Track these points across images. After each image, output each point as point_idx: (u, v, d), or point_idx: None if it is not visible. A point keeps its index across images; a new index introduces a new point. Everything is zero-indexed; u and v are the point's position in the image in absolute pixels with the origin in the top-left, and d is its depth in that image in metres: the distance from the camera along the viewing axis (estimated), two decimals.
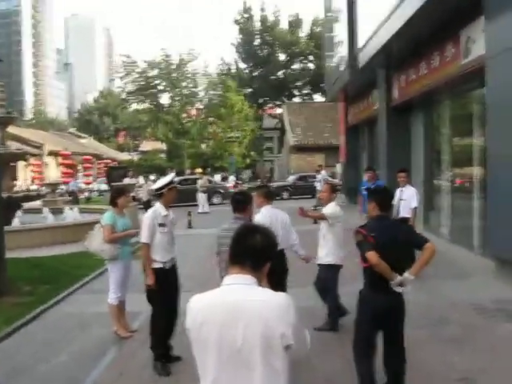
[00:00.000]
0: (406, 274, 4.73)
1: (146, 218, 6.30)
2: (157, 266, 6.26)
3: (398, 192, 10.50)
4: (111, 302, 7.27)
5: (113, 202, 7.33)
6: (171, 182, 6.45)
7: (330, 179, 29.11)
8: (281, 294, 2.54)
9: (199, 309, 2.55)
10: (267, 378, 2.40)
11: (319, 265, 7.37)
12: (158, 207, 6.38)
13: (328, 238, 7.33)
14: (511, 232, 8.98)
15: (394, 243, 4.75)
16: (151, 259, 6.23)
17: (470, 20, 10.90)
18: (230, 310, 2.44)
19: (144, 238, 6.20)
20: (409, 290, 4.81)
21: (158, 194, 6.38)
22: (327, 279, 7.30)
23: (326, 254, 7.27)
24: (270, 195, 6.97)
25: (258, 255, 2.61)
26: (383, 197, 5.20)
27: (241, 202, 5.91)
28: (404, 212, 10.40)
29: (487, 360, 6.00)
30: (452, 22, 11.56)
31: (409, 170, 11.03)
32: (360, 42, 17.94)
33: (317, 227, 7.87)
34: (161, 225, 6.30)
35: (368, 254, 4.68)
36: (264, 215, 6.38)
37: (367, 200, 5.43)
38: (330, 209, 7.35)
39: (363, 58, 17.31)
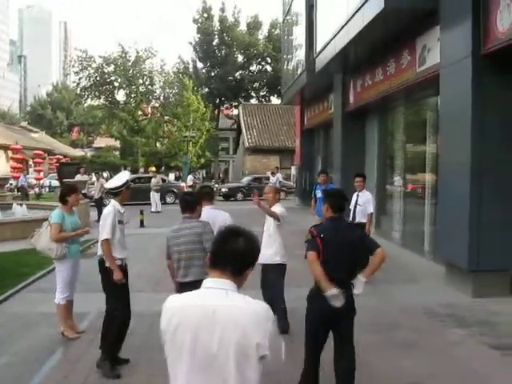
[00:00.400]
0: (359, 276, 4.87)
1: (108, 214, 6.14)
2: (116, 263, 6.15)
3: (354, 197, 10.56)
4: (58, 301, 7.08)
5: (63, 200, 7.12)
6: (128, 181, 6.40)
7: (284, 181, 29.27)
8: (260, 302, 2.47)
9: (175, 310, 2.47)
10: None
11: (266, 265, 7.18)
12: (115, 204, 6.25)
13: (275, 237, 7.30)
14: (460, 238, 9.15)
15: (343, 245, 4.84)
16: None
17: (426, 29, 11.08)
18: (207, 315, 2.37)
19: (106, 233, 6.04)
20: (360, 292, 4.89)
21: (115, 193, 6.29)
22: (277, 279, 7.25)
23: (274, 254, 7.21)
24: (210, 195, 7.00)
25: (239, 260, 2.53)
26: (336, 199, 5.24)
27: (190, 202, 5.91)
28: (360, 217, 10.44)
29: (437, 364, 6.07)
30: (409, 29, 11.73)
31: (365, 176, 11.06)
32: (318, 47, 18.04)
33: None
34: (119, 222, 6.23)
35: (308, 253, 4.83)
36: (202, 216, 6.28)
37: (322, 202, 5.47)
38: (279, 209, 7.35)
39: (320, 62, 17.42)
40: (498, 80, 8.79)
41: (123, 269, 6.24)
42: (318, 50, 17.77)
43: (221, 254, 2.55)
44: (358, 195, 10.59)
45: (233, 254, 2.51)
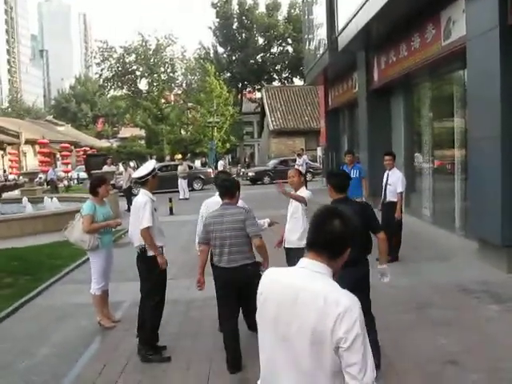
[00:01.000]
0: (380, 267, 5.38)
1: (145, 203, 6.14)
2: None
3: (385, 176, 10.50)
4: (94, 292, 7.17)
5: (93, 191, 7.18)
6: (154, 170, 6.40)
7: (311, 163, 28.97)
8: (348, 293, 2.37)
9: (265, 284, 2.52)
10: (313, 372, 2.29)
11: (290, 249, 7.10)
12: (147, 193, 6.28)
13: (302, 221, 7.23)
14: (492, 213, 9.01)
15: None
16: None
17: (450, 1, 10.83)
18: (291, 294, 2.37)
19: (147, 221, 6.05)
20: (388, 279, 5.45)
21: (142, 182, 6.32)
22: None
23: (299, 238, 7.16)
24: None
25: (336, 243, 2.47)
26: (338, 180, 5.48)
27: (229, 188, 5.86)
28: (390, 196, 10.36)
29: (473, 341, 6.01)
30: (432, 2, 11.49)
31: (395, 154, 10.94)
32: (340, 25, 17.80)
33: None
34: (155, 209, 6.27)
35: None
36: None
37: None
38: (306, 192, 7.29)
39: (343, 40, 17.19)
40: None
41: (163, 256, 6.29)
42: (340, 28, 17.53)
43: (317, 236, 2.49)
44: (388, 174, 10.50)
45: (330, 236, 2.45)
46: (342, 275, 4.86)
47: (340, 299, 2.28)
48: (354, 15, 15.07)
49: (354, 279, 4.95)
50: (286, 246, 7.26)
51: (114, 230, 8.36)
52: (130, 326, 7.04)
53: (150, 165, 6.59)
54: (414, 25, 12.92)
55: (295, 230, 7.19)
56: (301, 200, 7.14)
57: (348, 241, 2.50)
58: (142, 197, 6.25)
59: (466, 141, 10.93)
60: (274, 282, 2.49)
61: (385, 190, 10.49)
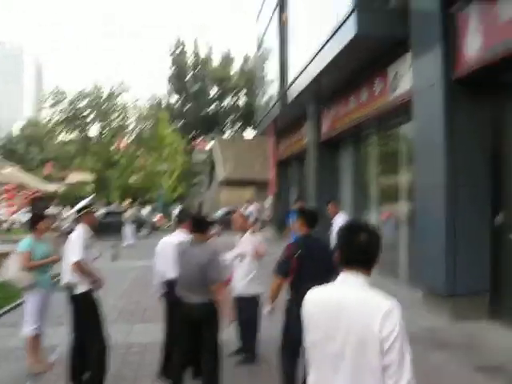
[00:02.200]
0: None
1: (77, 236, 5.97)
2: (84, 289, 5.97)
3: (332, 224, 10.66)
4: (27, 333, 6.80)
5: (32, 227, 6.91)
6: (90, 205, 6.30)
7: (259, 213, 28.88)
8: (388, 297, 2.53)
9: (311, 301, 2.68)
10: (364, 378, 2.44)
11: (243, 297, 7.04)
12: (82, 228, 6.09)
13: (252, 267, 7.14)
14: (436, 262, 9.11)
15: (318, 262, 5.20)
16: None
17: (397, 56, 11.20)
18: (339, 309, 2.51)
19: (77, 255, 5.84)
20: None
21: (78, 217, 6.18)
22: (254, 311, 7.07)
23: (247, 285, 7.05)
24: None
25: (367, 254, 2.66)
26: (310, 215, 5.59)
27: (201, 224, 5.72)
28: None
29: None
30: (380, 57, 11.85)
31: (337, 201, 11.11)
32: (290, 77, 18.17)
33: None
34: (89, 246, 6.07)
35: (276, 275, 5.35)
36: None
37: (295, 219, 5.67)
38: (258, 239, 7.25)
39: (293, 92, 17.52)
40: (468, 104, 8.89)
41: (92, 297, 6.03)
42: (291, 80, 17.89)
43: (349, 250, 2.67)
44: (333, 221, 10.60)
45: (360, 249, 2.64)
46: (298, 311, 4.99)
47: (382, 302, 2.47)
48: (304, 68, 15.41)
49: None
50: (236, 293, 7.12)
51: (53, 272, 8.04)
52: (63, 371, 6.72)
53: (86, 200, 6.45)
54: (363, 78, 13.27)
55: (243, 277, 7.08)
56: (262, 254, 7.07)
57: (379, 249, 2.70)
58: (75, 232, 6.09)
59: (411, 194, 11.11)
60: (321, 298, 2.65)
61: (330, 235, 10.54)
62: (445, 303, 8.98)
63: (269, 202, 31.57)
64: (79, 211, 6.17)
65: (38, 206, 28.84)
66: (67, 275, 5.98)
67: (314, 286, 5.15)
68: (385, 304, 2.46)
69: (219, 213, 36.26)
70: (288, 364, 5.40)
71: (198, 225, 5.70)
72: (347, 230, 2.75)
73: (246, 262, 7.10)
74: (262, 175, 42.10)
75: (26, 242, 6.79)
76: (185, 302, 5.56)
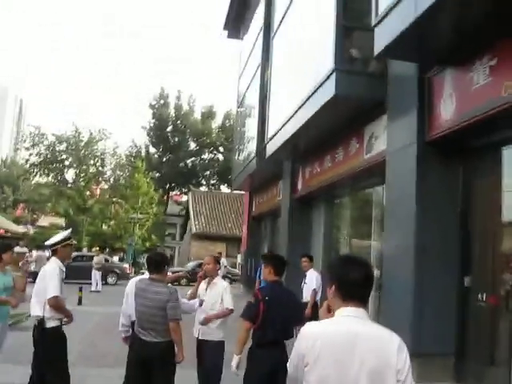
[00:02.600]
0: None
1: (54, 270, 5.86)
2: (55, 324, 5.83)
3: (303, 277, 10.74)
4: None
5: None
6: (67, 238, 6.18)
7: (230, 268, 28.86)
8: (391, 331, 2.64)
9: (318, 335, 2.55)
10: None
11: (206, 341, 6.83)
12: (57, 261, 5.98)
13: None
14: (403, 323, 9.04)
15: (284, 308, 5.28)
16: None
17: (374, 117, 11.42)
18: (350, 339, 2.50)
19: (55, 290, 5.75)
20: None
21: (53, 250, 6.06)
22: (220, 357, 6.90)
23: (217, 329, 6.93)
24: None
25: (366, 288, 2.70)
26: (277, 261, 5.70)
27: (158, 263, 5.73)
28: (306, 295, 10.52)
29: None
30: (357, 118, 12.08)
31: (311, 256, 11.16)
32: (269, 133, 18.39)
33: None
34: (62, 280, 5.96)
35: (243, 321, 5.38)
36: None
37: (263, 265, 5.80)
38: (222, 282, 7.18)
39: (270, 148, 17.70)
40: (440, 166, 9.06)
41: (63, 332, 5.94)
42: (269, 136, 18.12)
43: (350, 284, 2.63)
44: (305, 275, 10.69)
45: (360, 284, 2.66)
46: (265, 355, 5.04)
47: (392, 336, 2.59)
48: (282, 126, 15.63)
49: (276, 360, 5.16)
50: (199, 338, 6.96)
51: (13, 311, 7.84)
52: None
53: (63, 233, 6.39)
54: (339, 138, 13.47)
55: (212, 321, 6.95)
56: (227, 314, 6.93)
57: (372, 286, 2.77)
58: (51, 265, 5.97)
59: (381, 257, 11.14)
60: (330, 332, 2.56)
61: (302, 290, 10.61)
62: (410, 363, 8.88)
63: (240, 258, 31.47)
64: (55, 244, 6.04)
65: (4, 242, 28.26)
66: (36, 309, 5.82)
67: (279, 331, 5.30)
68: (395, 337, 2.58)
69: (190, 265, 36.00)
70: None
71: (156, 264, 5.72)
72: (347, 265, 2.74)
73: (216, 307, 6.98)
74: (234, 231, 42.16)
75: None
76: (139, 338, 5.46)
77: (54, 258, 6.08)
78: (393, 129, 10.11)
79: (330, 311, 2.72)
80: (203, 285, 7.24)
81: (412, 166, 9.15)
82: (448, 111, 8.35)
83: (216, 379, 6.90)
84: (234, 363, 5.45)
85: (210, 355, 6.84)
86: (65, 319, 5.94)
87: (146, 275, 6.29)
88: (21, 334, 11.42)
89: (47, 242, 6.40)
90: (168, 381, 5.47)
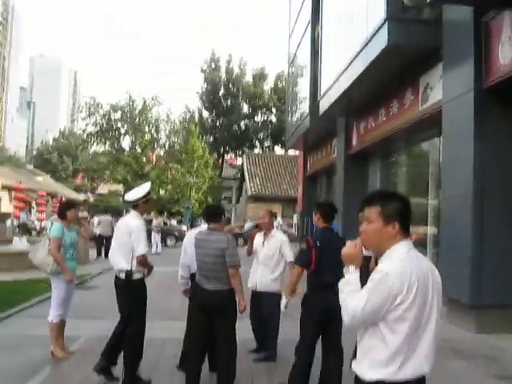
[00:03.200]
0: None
1: (142, 226, 6.05)
2: (140, 276, 6.10)
3: None
4: (52, 319, 6.90)
5: (62, 215, 7.05)
6: (149, 193, 6.30)
7: (286, 228, 28.95)
8: None
9: (410, 272, 2.58)
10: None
11: (264, 293, 7.04)
12: (139, 217, 6.17)
13: (280, 265, 7.16)
14: (462, 272, 8.99)
15: (335, 253, 5.03)
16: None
17: (429, 67, 11.18)
18: (428, 274, 2.65)
19: (145, 247, 6.02)
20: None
21: (134, 205, 6.18)
22: (277, 307, 7.03)
23: (275, 281, 7.06)
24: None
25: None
26: (327, 209, 5.78)
27: (214, 213, 5.87)
28: (365, 251, 10.43)
29: None
30: (412, 68, 11.83)
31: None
32: (322, 90, 18.19)
33: None
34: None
35: (296, 266, 5.65)
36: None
37: (313, 214, 5.84)
38: (280, 236, 7.26)
39: (324, 105, 17.54)
40: (499, 112, 8.83)
41: (145, 284, 6.20)
42: (322, 93, 17.92)
43: (407, 218, 2.84)
44: None
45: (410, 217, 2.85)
46: (319, 297, 5.14)
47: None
48: (336, 81, 15.44)
49: (330, 304, 5.08)
50: (256, 290, 7.12)
51: (79, 273, 8.17)
52: (84, 358, 6.87)
53: (144, 188, 6.42)
54: (393, 90, 13.25)
55: (268, 273, 7.08)
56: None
57: None
58: (136, 220, 6.10)
59: (439, 212, 10.99)
60: (416, 270, 2.60)
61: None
62: (468, 314, 8.85)
63: (296, 218, 31.54)
64: (137, 200, 6.16)
65: (68, 200, 29.30)
66: (123, 262, 6.02)
67: (332, 276, 5.36)
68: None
69: (247, 226, 36.26)
70: (307, 354, 5.48)
71: (213, 214, 5.86)
72: (403, 201, 2.87)
73: (274, 259, 7.11)
74: (289, 192, 42.19)
75: (57, 227, 6.94)
76: (201, 288, 5.65)
77: (134, 213, 6.18)
78: (449, 77, 9.88)
79: (377, 263, 2.77)
80: (259, 238, 7.36)
81: (469, 113, 8.96)
82: (506, 56, 8.10)
83: (274, 329, 7.08)
84: (283, 304, 5.75)
85: (267, 306, 7.02)
86: (147, 272, 6.16)
87: (203, 227, 6.44)
88: (85, 293, 12.02)
89: (127, 197, 6.40)
90: (230, 328, 5.63)
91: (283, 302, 5.79)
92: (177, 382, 5.97)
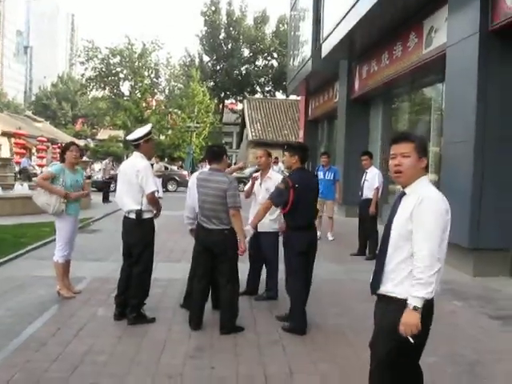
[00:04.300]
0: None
1: (147, 166, 6.06)
2: (150, 215, 6.14)
3: (363, 175, 10.72)
4: (57, 259, 7.00)
5: (61, 157, 7.10)
6: (149, 133, 6.28)
7: (286, 173, 29.07)
8: None
9: (446, 206, 3.04)
10: None
11: (263, 233, 6.97)
12: (143, 157, 6.15)
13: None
14: (462, 216, 9.03)
15: (311, 192, 5.95)
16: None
17: (434, 9, 10.99)
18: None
19: (153, 184, 6.03)
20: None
21: (136, 145, 6.17)
22: (276, 245, 7.15)
23: (273, 222, 7.13)
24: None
25: None
26: (304, 152, 6.08)
27: (216, 153, 5.95)
28: (367, 193, 10.58)
29: (434, 329, 5.97)
30: (416, 11, 11.64)
31: (371, 153, 11.13)
32: (324, 33, 17.93)
33: None
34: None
35: (267, 202, 5.90)
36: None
37: (287, 154, 6.09)
38: (275, 175, 7.32)
39: (326, 48, 17.31)
40: (504, 55, 8.73)
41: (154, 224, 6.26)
42: (324, 35, 17.66)
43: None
44: (366, 172, 10.70)
45: None
46: (299, 236, 5.34)
47: None
48: (338, 23, 15.19)
49: (309, 240, 5.86)
50: (259, 230, 7.18)
51: (83, 216, 8.24)
52: (89, 297, 7.01)
53: (145, 128, 6.39)
54: (397, 33, 13.06)
55: (270, 213, 7.14)
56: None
57: None
58: (140, 160, 6.09)
59: (440, 156, 11.00)
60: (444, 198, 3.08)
61: (362, 187, 10.65)
62: (467, 257, 8.97)
63: None
64: (137, 139, 6.15)
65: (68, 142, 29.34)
66: (132, 203, 6.05)
67: (310, 214, 5.92)
68: None
69: (247, 171, 36.40)
70: (302, 291, 5.84)
71: (216, 153, 5.93)
72: (424, 139, 3.29)
73: None
74: (290, 137, 42.05)
75: (56, 166, 7.06)
76: (203, 227, 5.76)
77: (138, 154, 6.17)
78: (454, 19, 9.72)
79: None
80: (257, 181, 7.40)
81: (474, 56, 8.86)
82: None
83: (274, 269, 7.21)
84: (247, 228, 5.80)
85: (266, 245, 7.13)
86: (156, 212, 6.21)
87: (206, 169, 6.48)
88: (88, 236, 12.16)
89: (129, 137, 6.40)
90: (231, 267, 5.74)
91: (246, 228, 5.83)
92: (180, 320, 6.10)
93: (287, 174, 7.51)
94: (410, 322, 2.94)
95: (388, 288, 3.13)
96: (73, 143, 7.47)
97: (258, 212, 5.93)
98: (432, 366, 4.60)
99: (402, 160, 3.16)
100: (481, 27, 8.72)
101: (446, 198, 3.05)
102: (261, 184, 7.27)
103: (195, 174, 6.66)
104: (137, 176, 5.98)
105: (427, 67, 11.82)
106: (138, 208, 6.00)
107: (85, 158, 22.54)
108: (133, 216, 6.04)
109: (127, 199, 6.10)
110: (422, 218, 2.95)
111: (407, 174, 3.14)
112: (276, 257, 7.11)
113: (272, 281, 7.24)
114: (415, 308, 2.95)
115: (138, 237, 6.10)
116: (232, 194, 5.60)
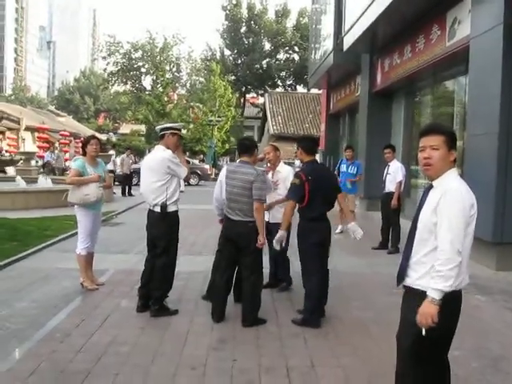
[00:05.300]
0: (352, 224, 6.02)
1: (170, 156, 6.03)
2: (175, 208, 6.20)
3: (386, 168, 10.68)
4: (79, 251, 7.10)
5: (83, 151, 7.19)
6: (178, 129, 6.33)
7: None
8: None
9: (473, 201, 3.07)
10: None
11: (277, 224, 7.09)
12: (166, 149, 6.15)
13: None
14: (484, 209, 8.91)
15: (325, 184, 5.85)
16: None
17: (457, 0, 10.85)
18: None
19: (184, 171, 6.13)
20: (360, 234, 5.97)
21: (161, 135, 6.23)
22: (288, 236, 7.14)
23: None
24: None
25: None
26: (306, 142, 6.08)
27: (247, 147, 6.05)
28: (390, 186, 10.53)
29: (459, 323, 5.97)
30: (439, 2, 11.51)
31: (394, 146, 11.09)
32: (346, 26, 17.80)
33: None
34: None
35: (290, 202, 5.80)
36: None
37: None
38: (285, 168, 7.41)
39: (348, 41, 17.19)
40: None
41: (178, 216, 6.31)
42: (346, 29, 17.55)
43: None
44: (388, 166, 10.66)
45: None
46: (315, 227, 5.33)
47: None
48: (360, 16, 15.08)
49: (325, 232, 5.88)
50: (270, 222, 7.18)
51: (105, 209, 8.32)
52: (113, 289, 7.12)
53: (177, 123, 6.57)
54: (420, 25, 12.91)
55: (282, 205, 7.14)
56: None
57: None
58: (163, 152, 6.10)
59: (463, 150, 10.89)
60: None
61: (384, 180, 10.62)
62: (490, 251, 8.89)
63: (318, 157, 31.45)
64: (164, 129, 6.22)
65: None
66: (156, 195, 6.08)
67: (325, 206, 5.85)
68: None
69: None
70: (318, 278, 5.80)
71: (247, 146, 6.02)
72: (454, 132, 3.24)
73: (283, 191, 7.13)
74: (311, 131, 41.93)
75: (77, 161, 7.16)
76: (228, 218, 5.85)
77: (161, 147, 6.19)
78: (477, 11, 9.60)
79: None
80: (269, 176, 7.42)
81: (498, 48, 8.74)
82: None
83: (285, 255, 7.24)
84: (278, 236, 5.77)
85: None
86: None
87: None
88: (111, 229, 12.29)
89: (158, 127, 6.46)
90: (255, 259, 5.78)
91: (279, 234, 5.79)
92: (202, 312, 6.16)
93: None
94: (426, 313, 2.94)
95: (413, 280, 3.16)
96: (93, 137, 7.54)
97: (285, 213, 5.84)
98: (457, 359, 4.58)
99: (431, 153, 3.10)
100: (505, 18, 8.60)
101: (472, 193, 3.03)
102: (272, 178, 7.30)
103: (226, 166, 6.70)
104: (162, 168, 6.02)
105: (450, 60, 11.70)
106: (164, 201, 6.04)
107: (111, 152, 22.63)
108: (158, 209, 6.09)
109: (150, 191, 6.14)
110: (446, 210, 2.94)
111: (436, 166, 3.11)
112: (286, 247, 7.11)
113: (284, 271, 7.31)
114: (433, 300, 2.94)
115: (163, 230, 6.15)
116: (258, 186, 5.67)
